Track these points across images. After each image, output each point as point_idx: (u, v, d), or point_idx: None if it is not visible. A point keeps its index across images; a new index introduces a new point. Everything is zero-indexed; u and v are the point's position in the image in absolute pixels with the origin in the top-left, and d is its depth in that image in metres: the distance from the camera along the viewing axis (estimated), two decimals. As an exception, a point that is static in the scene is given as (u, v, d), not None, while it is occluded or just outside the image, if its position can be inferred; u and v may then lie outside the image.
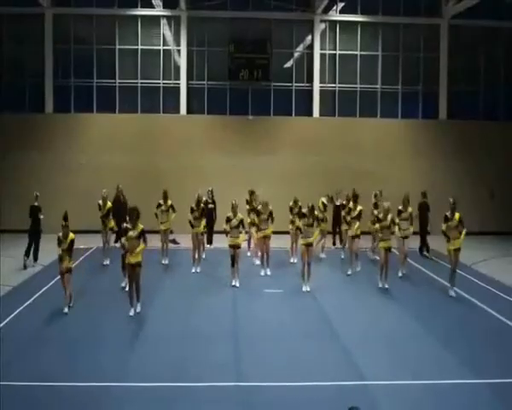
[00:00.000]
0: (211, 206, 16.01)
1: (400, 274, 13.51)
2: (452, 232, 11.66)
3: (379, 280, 12.41)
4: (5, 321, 9.69)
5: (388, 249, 12.34)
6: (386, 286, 12.25)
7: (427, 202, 15.84)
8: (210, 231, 16.21)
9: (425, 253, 16.12)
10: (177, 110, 20.44)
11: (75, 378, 7.47)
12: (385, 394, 7.24)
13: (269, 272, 13.48)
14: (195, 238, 13.78)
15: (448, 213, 11.80)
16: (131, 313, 10.21)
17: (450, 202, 11.88)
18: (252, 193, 15.37)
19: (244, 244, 15.56)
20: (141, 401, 6.99)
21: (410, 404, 7.05)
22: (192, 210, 13.68)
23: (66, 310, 10.24)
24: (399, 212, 13.46)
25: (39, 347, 8.67)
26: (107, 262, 14.43)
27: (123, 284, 11.69)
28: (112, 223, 14.43)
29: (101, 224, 14.46)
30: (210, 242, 16.48)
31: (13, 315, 10.04)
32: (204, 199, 14.84)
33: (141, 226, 10.18)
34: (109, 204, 14.46)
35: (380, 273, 12.44)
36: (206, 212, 14.53)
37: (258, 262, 14.15)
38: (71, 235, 10.37)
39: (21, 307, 10.48)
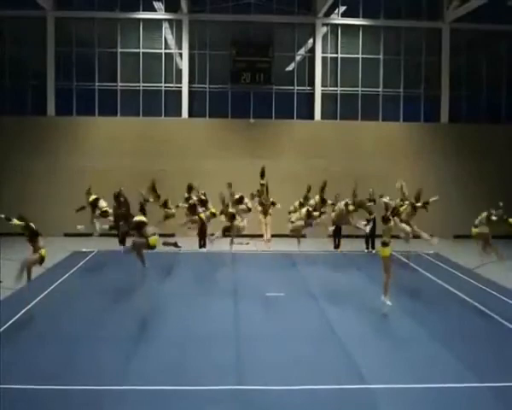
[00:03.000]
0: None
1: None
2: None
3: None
4: (6, 325, 9.66)
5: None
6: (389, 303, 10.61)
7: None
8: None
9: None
10: (179, 113, 20.46)
11: (74, 381, 7.45)
12: (386, 397, 7.20)
13: (269, 235, 15.09)
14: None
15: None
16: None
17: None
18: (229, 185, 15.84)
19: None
20: (141, 404, 6.97)
21: (411, 407, 7.02)
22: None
23: None
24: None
25: (40, 349, 8.65)
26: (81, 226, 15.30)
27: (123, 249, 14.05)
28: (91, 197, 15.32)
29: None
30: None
31: (14, 319, 10.01)
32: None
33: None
34: (92, 197, 15.22)
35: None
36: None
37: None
38: None
39: (22, 311, 10.44)
